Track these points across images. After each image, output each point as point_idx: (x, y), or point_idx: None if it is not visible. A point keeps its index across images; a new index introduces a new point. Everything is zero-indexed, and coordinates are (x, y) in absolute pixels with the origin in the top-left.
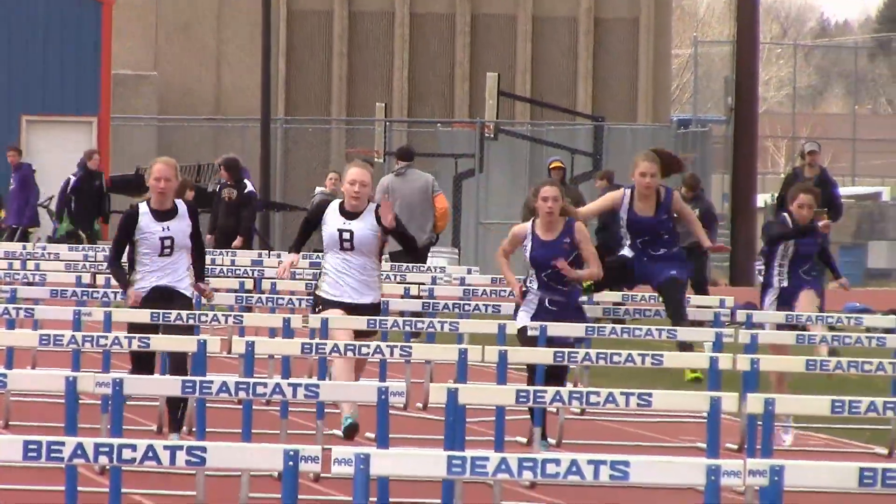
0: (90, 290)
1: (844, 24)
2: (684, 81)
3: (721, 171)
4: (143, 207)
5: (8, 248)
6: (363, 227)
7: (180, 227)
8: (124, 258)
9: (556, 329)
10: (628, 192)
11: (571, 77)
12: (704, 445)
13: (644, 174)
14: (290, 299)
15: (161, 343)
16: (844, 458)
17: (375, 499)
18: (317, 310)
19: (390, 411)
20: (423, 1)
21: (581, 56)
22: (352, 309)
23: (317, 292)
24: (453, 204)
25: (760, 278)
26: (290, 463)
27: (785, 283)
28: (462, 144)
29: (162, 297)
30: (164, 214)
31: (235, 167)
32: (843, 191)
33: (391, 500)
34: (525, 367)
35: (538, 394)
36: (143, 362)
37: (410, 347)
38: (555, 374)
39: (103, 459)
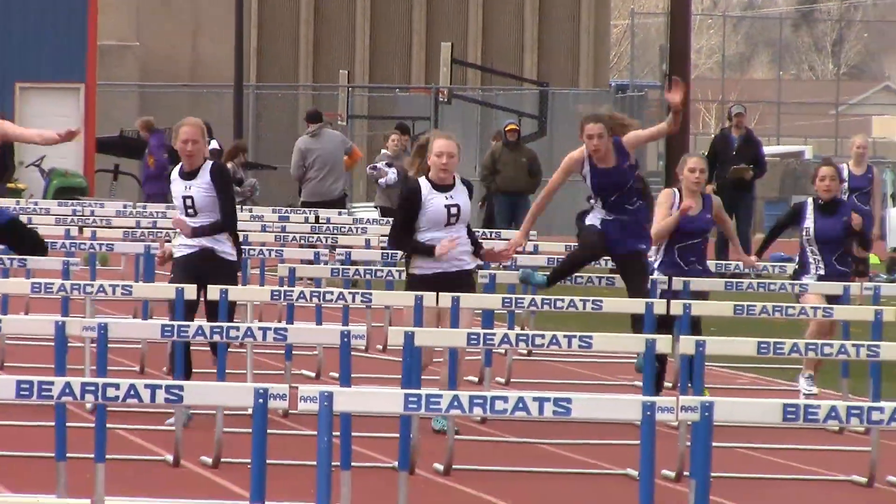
0: (77, 241)
1: None
2: (622, 50)
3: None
4: (175, 172)
5: (1, 203)
6: (464, 198)
7: (199, 187)
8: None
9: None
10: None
11: (519, 46)
12: (641, 384)
13: (693, 169)
14: (261, 250)
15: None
16: (770, 395)
17: (339, 433)
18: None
19: (352, 353)
20: None
21: (527, 27)
22: (454, 277)
23: (412, 270)
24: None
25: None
26: (260, 400)
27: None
28: (418, 108)
29: (200, 259)
30: (188, 175)
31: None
32: (769, 150)
33: (353, 434)
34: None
35: (488, 336)
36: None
37: (371, 294)
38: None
39: (89, 398)
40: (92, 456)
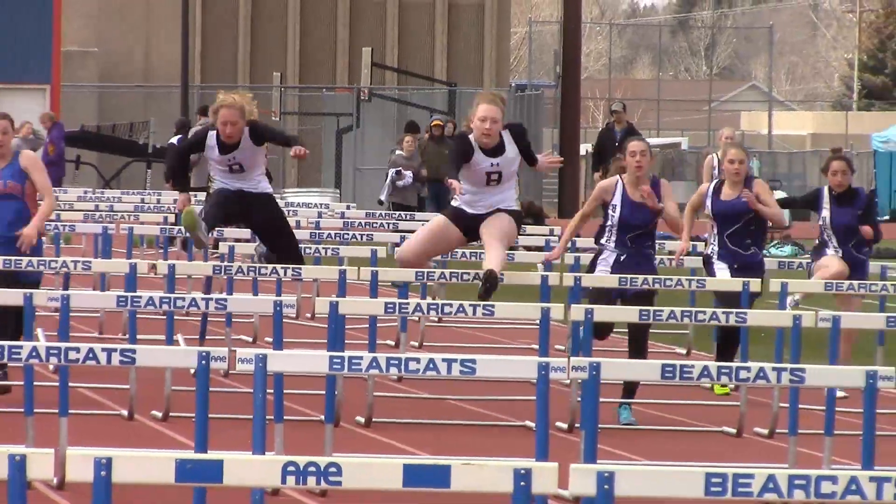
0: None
1: (651, 6)
2: (521, 54)
3: (551, 126)
4: (212, 139)
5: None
6: (508, 160)
7: (243, 150)
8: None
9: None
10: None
11: (430, 50)
12: (537, 346)
13: (732, 160)
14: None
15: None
16: (651, 357)
17: (272, 390)
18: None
19: (284, 320)
20: None
21: (438, 34)
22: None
23: (452, 203)
24: (335, 154)
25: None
26: (203, 362)
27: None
28: (342, 106)
29: (239, 199)
30: (230, 147)
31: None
32: (650, 141)
33: (285, 391)
34: None
35: (403, 305)
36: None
37: (301, 269)
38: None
39: (53, 360)
40: (56, 411)
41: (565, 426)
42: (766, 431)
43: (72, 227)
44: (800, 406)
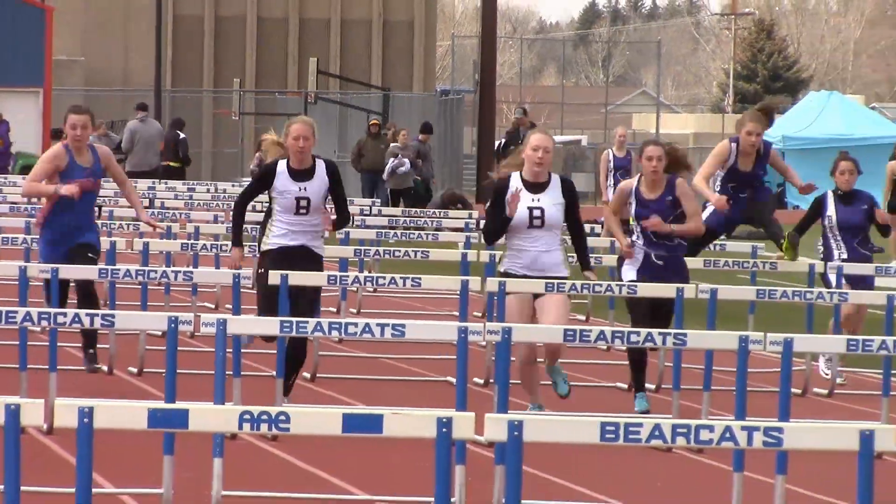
0: (37, 206)
1: (556, 23)
2: (445, 63)
3: (471, 125)
4: (281, 166)
5: None
6: (551, 202)
7: (316, 187)
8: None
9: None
10: (734, 145)
11: (367, 60)
12: (458, 313)
13: (750, 133)
14: (173, 213)
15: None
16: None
17: (231, 350)
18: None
19: (242, 290)
20: (266, 8)
21: (374, 46)
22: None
23: (500, 268)
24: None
25: None
26: (172, 325)
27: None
28: (293, 107)
29: (294, 256)
30: (301, 174)
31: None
32: (556, 138)
33: (242, 350)
34: None
35: (343, 278)
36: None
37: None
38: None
39: (44, 323)
40: (46, 367)
41: (482, 381)
42: (653, 387)
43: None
44: (682, 365)
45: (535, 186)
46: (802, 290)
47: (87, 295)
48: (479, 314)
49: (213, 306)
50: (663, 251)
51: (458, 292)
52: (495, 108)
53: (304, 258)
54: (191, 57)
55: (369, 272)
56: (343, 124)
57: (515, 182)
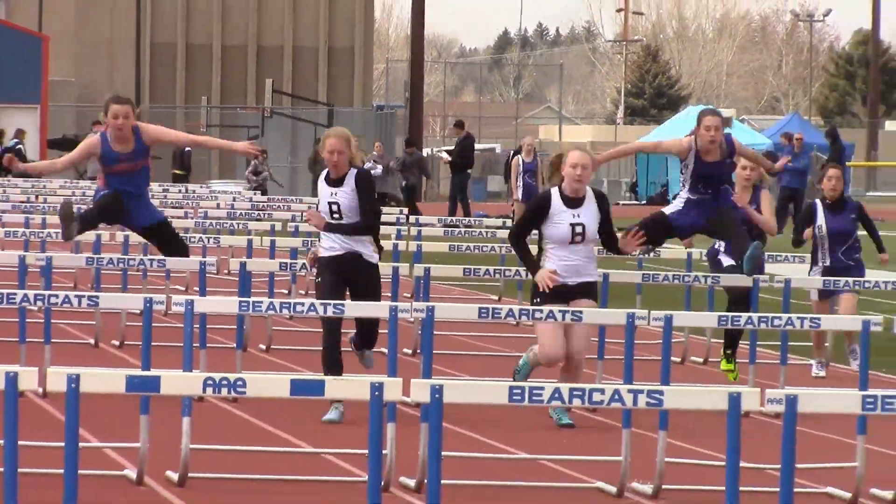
0: (35, 204)
1: (474, 49)
2: (380, 83)
3: (402, 135)
4: (323, 175)
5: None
6: (591, 217)
7: (345, 193)
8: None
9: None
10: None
11: (315, 81)
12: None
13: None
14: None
15: (353, 308)
16: (474, 301)
17: (198, 326)
18: (535, 301)
19: (207, 275)
20: (229, 37)
21: (321, 68)
22: (577, 289)
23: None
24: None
25: None
26: (148, 305)
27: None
28: (252, 120)
29: (345, 262)
30: (335, 181)
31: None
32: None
33: (208, 326)
34: None
35: (292, 264)
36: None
37: (219, 237)
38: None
39: (39, 303)
40: (42, 340)
41: (410, 352)
42: (703, 360)
43: (53, 207)
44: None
45: (575, 202)
46: (682, 273)
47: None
48: (409, 295)
49: (183, 289)
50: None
51: (390, 276)
52: (422, 121)
53: (351, 261)
54: (165, 78)
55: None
56: (294, 135)
57: (556, 199)
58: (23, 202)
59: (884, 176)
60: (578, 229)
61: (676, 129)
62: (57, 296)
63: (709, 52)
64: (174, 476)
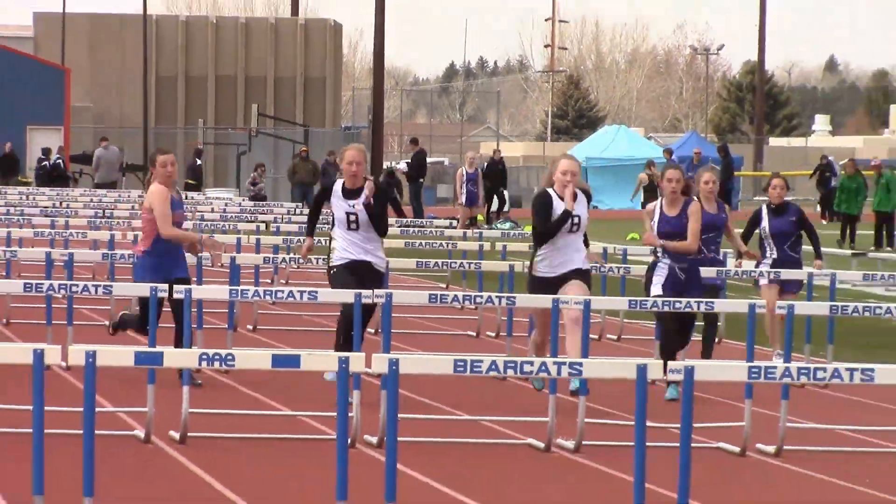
0: (59, 209)
1: (426, 78)
2: (348, 107)
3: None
4: (338, 186)
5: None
6: (583, 210)
7: (364, 205)
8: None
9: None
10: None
11: (293, 105)
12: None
13: (707, 182)
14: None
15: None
16: (425, 289)
17: (195, 310)
18: (531, 291)
19: (203, 267)
20: (221, 69)
21: (297, 95)
22: (569, 276)
23: (534, 273)
24: (236, 168)
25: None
26: (153, 292)
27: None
28: (241, 139)
29: (357, 270)
30: (352, 193)
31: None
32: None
33: (204, 310)
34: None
35: (275, 258)
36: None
37: (213, 235)
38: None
39: (63, 291)
40: (65, 322)
41: (372, 331)
42: (493, 334)
43: (75, 212)
44: (514, 319)
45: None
46: (598, 265)
47: (179, 319)
48: None
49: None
50: (684, 263)
51: None
52: (383, 139)
53: (363, 269)
54: (168, 103)
55: (294, 255)
56: (276, 151)
57: (555, 198)
58: (48, 207)
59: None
60: (575, 220)
61: (594, 145)
62: (77, 285)
63: (621, 81)
64: (176, 435)
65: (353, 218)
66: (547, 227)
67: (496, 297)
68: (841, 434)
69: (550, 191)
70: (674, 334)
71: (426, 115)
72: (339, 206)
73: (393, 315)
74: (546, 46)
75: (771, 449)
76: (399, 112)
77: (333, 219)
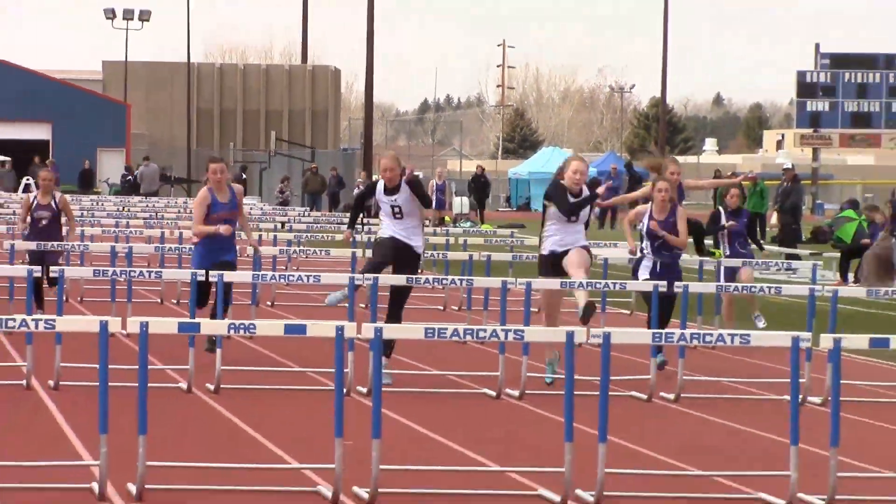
0: (122, 213)
1: (406, 111)
2: (346, 133)
3: (360, 167)
4: (380, 185)
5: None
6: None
7: (403, 197)
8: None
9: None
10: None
11: (303, 131)
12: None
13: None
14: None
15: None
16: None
17: (214, 290)
18: (540, 272)
19: (241, 258)
20: (247, 103)
21: (306, 123)
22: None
23: (542, 252)
24: (259, 180)
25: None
26: (193, 276)
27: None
28: (262, 158)
29: (396, 246)
30: (391, 190)
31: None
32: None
33: (234, 291)
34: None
35: (283, 248)
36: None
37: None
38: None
39: (123, 276)
40: (125, 300)
41: (364, 306)
42: (456, 307)
43: (134, 214)
44: (472, 296)
45: (576, 195)
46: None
47: (226, 294)
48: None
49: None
50: (667, 259)
51: (349, 258)
52: (372, 157)
53: (404, 250)
54: (206, 131)
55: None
56: (290, 168)
57: (567, 192)
58: (114, 211)
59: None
60: (574, 214)
61: (535, 162)
62: (135, 271)
63: (556, 113)
64: (211, 387)
65: (396, 209)
66: (570, 206)
67: (458, 279)
68: (726, 385)
69: (563, 183)
70: (659, 313)
71: (405, 139)
72: (383, 201)
73: (378, 293)
74: (498, 86)
75: (671, 396)
76: (385, 137)
77: (380, 211)
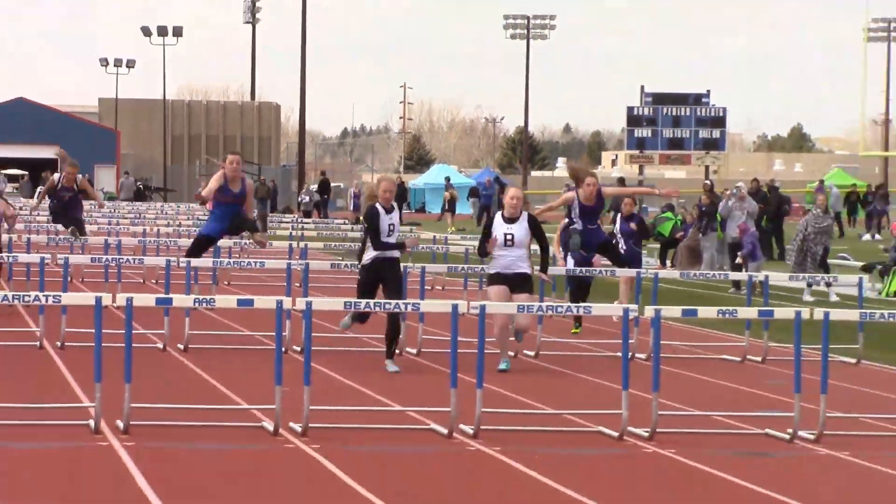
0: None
1: (330, 136)
2: (284, 153)
3: (294, 180)
4: (378, 207)
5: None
6: (520, 229)
7: (521, 229)
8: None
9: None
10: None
11: (252, 151)
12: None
13: (589, 184)
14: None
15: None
16: (328, 260)
17: (192, 273)
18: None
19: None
20: (210, 129)
21: (255, 145)
22: (513, 277)
23: (490, 272)
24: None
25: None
26: (167, 262)
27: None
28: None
29: (385, 265)
30: (509, 220)
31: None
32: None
33: (198, 273)
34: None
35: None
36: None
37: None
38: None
39: (114, 262)
40: (115, 280)
41: (298, 285)
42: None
43: (123, 216)
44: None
45: (511, 220)
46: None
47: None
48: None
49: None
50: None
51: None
52: (304, 172)
53: (392, 266)
54: (178, 152)
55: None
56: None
57: (498, 219)
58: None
59: (531, 201)
60: (509, 237)
61: (429, 176)
62: (123, 258)
63: (445, 138)
64: (182, 346)
65: (391, 229)
66: (478, 246)
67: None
68: (575, 345)
69: (499, 214)
70: (576, 289)
71: (330, 158)
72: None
73: (310, 275)
74: (400, 118)
75: (531, 354)
76: (314, 156)
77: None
